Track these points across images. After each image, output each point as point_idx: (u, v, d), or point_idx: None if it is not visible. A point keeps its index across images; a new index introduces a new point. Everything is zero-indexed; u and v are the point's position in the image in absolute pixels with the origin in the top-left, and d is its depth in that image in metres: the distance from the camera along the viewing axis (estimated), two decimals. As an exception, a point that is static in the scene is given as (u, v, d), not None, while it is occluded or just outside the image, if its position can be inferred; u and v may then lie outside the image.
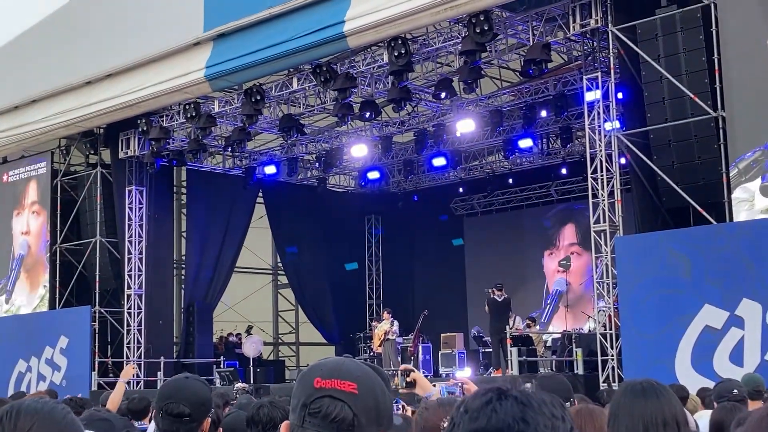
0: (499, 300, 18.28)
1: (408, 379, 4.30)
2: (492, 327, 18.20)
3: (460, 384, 4.10)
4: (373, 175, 24.49)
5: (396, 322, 19.98)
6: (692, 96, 13.20)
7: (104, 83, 19.57)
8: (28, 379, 21.24)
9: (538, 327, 21.30)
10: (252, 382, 19.73)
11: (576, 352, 16.36)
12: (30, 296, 22.79)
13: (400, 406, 5.09)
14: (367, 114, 18.53)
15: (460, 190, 25.37)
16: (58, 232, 22.08)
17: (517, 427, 1.46)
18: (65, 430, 1.85)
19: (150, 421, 6.88)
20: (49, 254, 22.25)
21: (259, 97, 17.88)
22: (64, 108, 20.29)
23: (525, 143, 21.23)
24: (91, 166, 22.16)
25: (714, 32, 13.08)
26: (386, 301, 25.67)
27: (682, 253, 12.86)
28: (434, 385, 4.45)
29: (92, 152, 22.26)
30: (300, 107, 19.46)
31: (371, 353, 21.00)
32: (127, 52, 18.94)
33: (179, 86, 17.96)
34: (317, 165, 23.85)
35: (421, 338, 20.32)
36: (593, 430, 3.64)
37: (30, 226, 22.99)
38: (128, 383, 20.00)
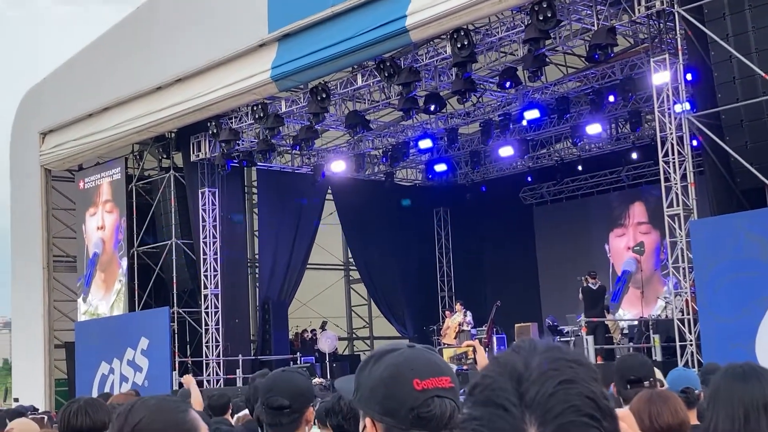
0: (594, 288, 18.07)
1: (471, 356, 4.33)
2: (587, 315, 17.94)
3: None
4: (440, 167, 24.50)
5: (469, 313, 19.98)
6: (763, 75, 12.91)
7: (174, 88, 19.99)
8: (111, 380, 21.74)
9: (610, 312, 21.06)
10: (328, 377, 19.94)
11: (653, 338, 16.15)
12: (106, 294, 23.31)
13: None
14: (432, 107, 18.53)
15: (529, 179, 25.20)
16: (135, 235, 22.56)
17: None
18: (180, 422, 1.92)
19: (232, 417, 7.03)
20: (123, 252, 22.71)
21: (324, 95, 18.04)
22: (135, 114, 20.79)
23: (593, 129, 20.99)
24: (164, 170, 22.61)
25: (784, 8, 12.79)
26: (458, 293, 25.64)
27: (758, 235, 12.60)
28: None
29: (165, 156, 22.70)
30: (365, 103, 19.57)
31: (444, 345, 21.01)
32: (194, 56, 19.32)
33: (246, 88, 18.27)
34: (384, 160, 23.93)
35: (494, 329, 20.26)
36: (669, 414, 3.65)
37: (105, 221, 23.52)
38: (208, 381, 20.53)
